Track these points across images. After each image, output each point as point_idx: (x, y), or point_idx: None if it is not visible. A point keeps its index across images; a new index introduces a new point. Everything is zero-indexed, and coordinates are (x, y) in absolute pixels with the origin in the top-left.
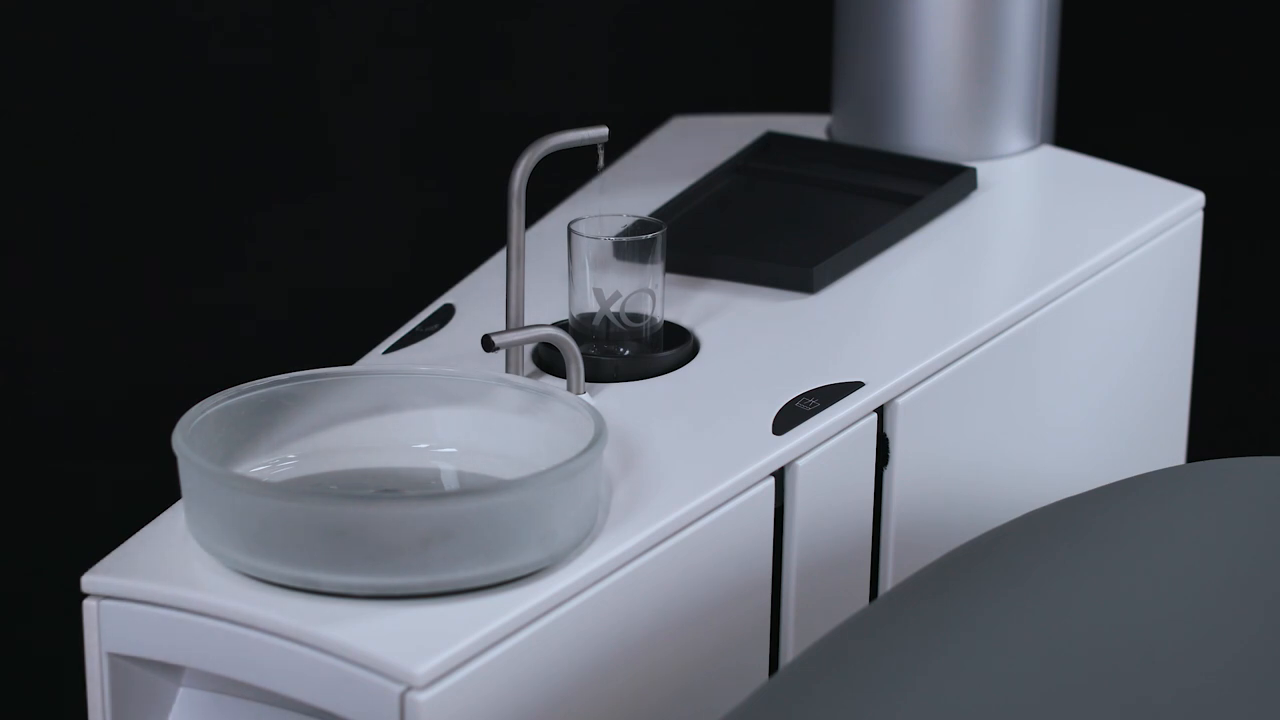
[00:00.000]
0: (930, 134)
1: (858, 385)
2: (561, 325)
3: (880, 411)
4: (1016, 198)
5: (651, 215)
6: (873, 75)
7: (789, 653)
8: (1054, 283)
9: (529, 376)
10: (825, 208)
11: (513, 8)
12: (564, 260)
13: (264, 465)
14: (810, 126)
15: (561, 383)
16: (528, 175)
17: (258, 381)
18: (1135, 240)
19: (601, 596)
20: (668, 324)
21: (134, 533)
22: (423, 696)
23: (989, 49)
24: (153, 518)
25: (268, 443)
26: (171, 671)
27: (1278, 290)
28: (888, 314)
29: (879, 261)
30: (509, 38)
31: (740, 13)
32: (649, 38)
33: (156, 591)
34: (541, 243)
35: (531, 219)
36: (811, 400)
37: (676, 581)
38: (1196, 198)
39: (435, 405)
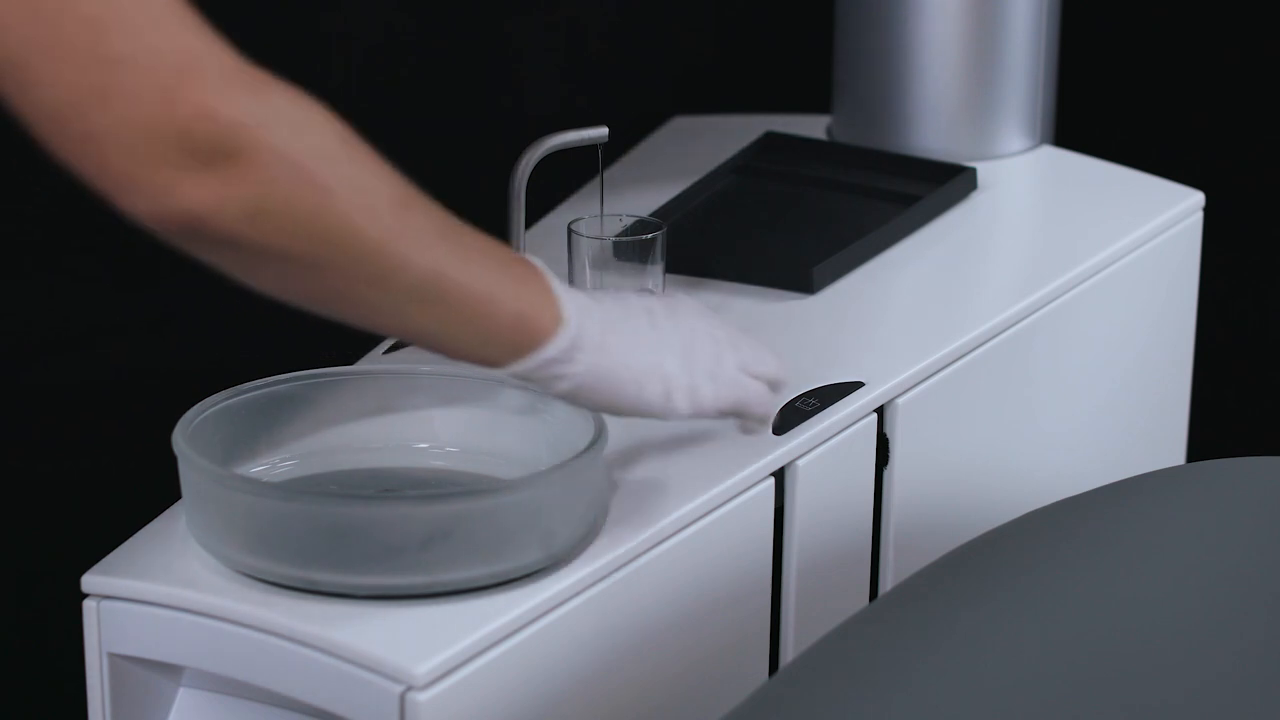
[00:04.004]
0: (930, 134)
1: (858, 385)
2: None
3: (880, 411)
4: (1016, 198)
5: (651, 215)
6: (873, 75)
7: (789, 653)
8: (1054, 283)
9: None
10: (825, 208)
11: (513, 7)
12: (564, 260)
13: (264, 465)
14: (810, 126)
15: None
16: (528, 175)
17: (258, 381)
18: (1135, 240)
19: (601, 596)
20: None
21: (134, 533)
22: (423, 696)
23: (989, 49)
24: (153, 518)
25: (268, 443)
26: (171, 671)
27: (1278, 290)
28: (888, 314)
29: (879, 261)
30: (509, 38)
31: (740, 13)
32: (649, 38)
33: (156, 591)
34: (541, 243)
35: (531, 219)
36: (811, 400)
37: (676, 581)
38: (1196, 198)
39: (435, 405)
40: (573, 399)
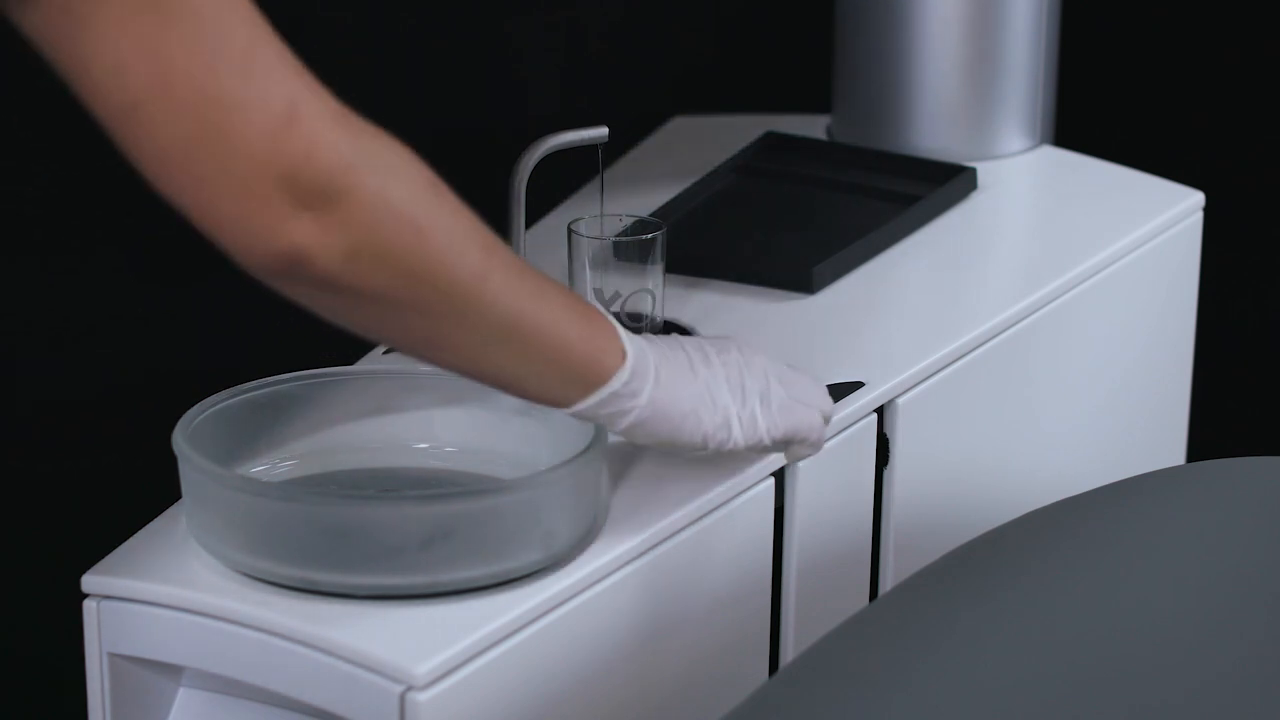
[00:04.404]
0: (930, 134)
1: (858, 385)
2: None
3: (880, 411)
4: (1016, 198)
5: (651, 215)
6: (873, 75)
7: (789, 653)
8: (1054, 283)
9: None
10: (825, 208)
11: (513, 7)
12: (564, 260)
13: (264, 465)
14: (810, 126)
15: None
16: (528, 175)
17: (258, 381)
18: (1135, 240)
19: (601, 596)
20: (668, 324)
21: (134, 533)
22: (423, 696)
23: (989, 49)
24: (153, 518)
25: (268, 443)
26: (171, 671)
27: (1278, 290)
28: (888, 314)
29: (879, 261)
30: (509, 38)
31: (740, 13)
32: (649, 38)
33: (156, 591)
34: (541, 243)
35: (531, 219)
36: None
37: (676, 581)
38: (1196, 198)
39: (435, 405)
40: (634, 434)
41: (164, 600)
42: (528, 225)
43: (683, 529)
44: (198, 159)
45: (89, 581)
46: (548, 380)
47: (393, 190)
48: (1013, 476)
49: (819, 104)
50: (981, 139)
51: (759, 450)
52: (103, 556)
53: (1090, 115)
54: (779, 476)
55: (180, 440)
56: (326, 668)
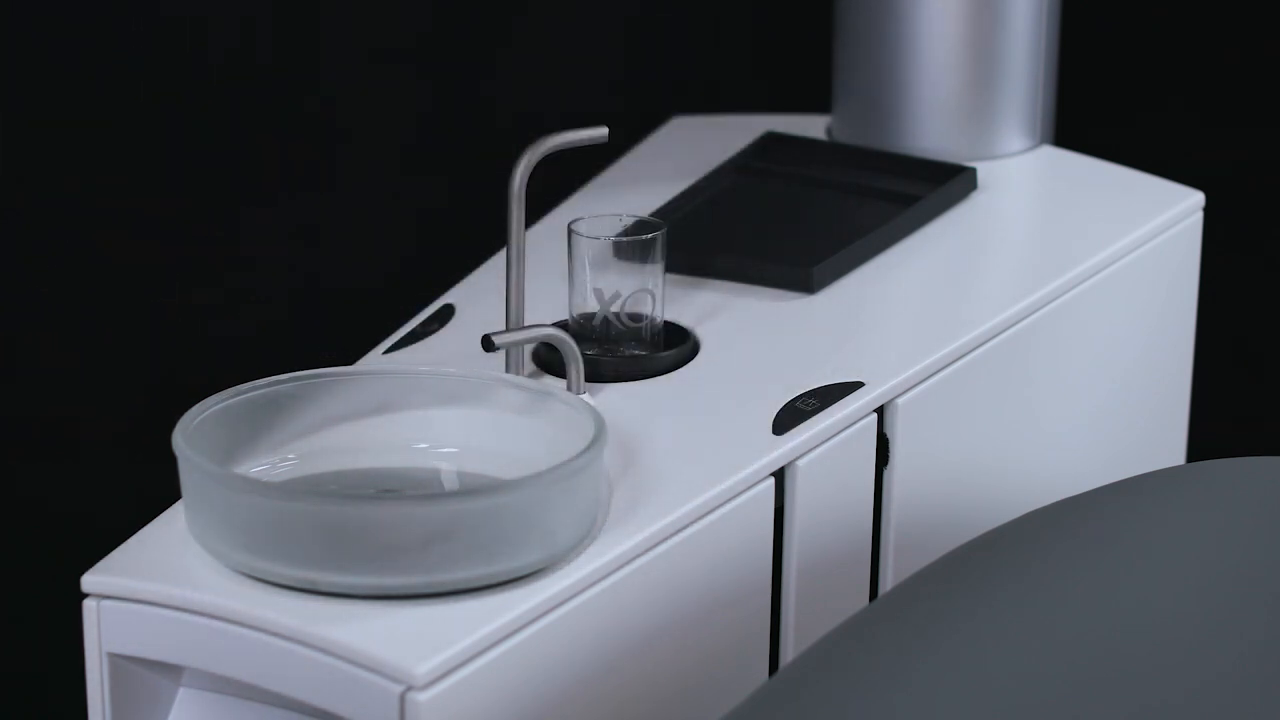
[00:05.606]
0: (930, 134)
1: (858, 385)
2: (561, 325)
3: (880, 411)
4: (1016, 198)
5: (651, 215)
6: (873, 75)
7: (789, 653)
8: (1054, 283)
9: (529, 376)
10: (825, 208)
11: (513, 6)
12: (564, 260)
13: (264, 465)
14: (810, 126)
15: (561, 383)
16: (528, 175)
17: (258, 381)
18: (1135, 240)
19: (601, 596)
20: (668, 324)
21: (134, 533)
22: (423, 696)
23: (989, 49)
24: (153, 518)
25: (268, 443)
26: (171, 671)
27: (1277, 290)
28: (888, 314)
29: (879, 261)
30: (509, 38)
31: (740, 13)
32: (649, 38)
33: (156, 591)
34: (541, 243)
35: (531, 219)
36: (811, 400)
37: (676, 581)
38: (1196, 198)
39: (435, 405)
40: None
41: (164, 600)
42: (528, 225)
43: (683, 529)
44: None
45: (89, 581)
46: None
47: None
48: (1013, 476)
49: (819, 104)
50: (981, 139)
51: None
52: (103, 556)
53: (1090, 115)
54: (779, 476)
55: (180, 440)
56: (326, 668)
